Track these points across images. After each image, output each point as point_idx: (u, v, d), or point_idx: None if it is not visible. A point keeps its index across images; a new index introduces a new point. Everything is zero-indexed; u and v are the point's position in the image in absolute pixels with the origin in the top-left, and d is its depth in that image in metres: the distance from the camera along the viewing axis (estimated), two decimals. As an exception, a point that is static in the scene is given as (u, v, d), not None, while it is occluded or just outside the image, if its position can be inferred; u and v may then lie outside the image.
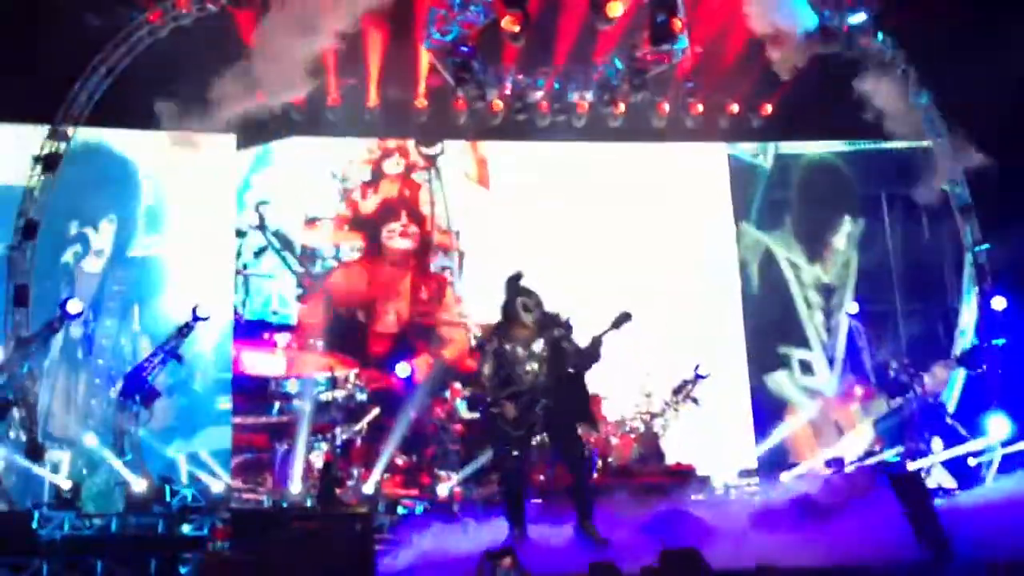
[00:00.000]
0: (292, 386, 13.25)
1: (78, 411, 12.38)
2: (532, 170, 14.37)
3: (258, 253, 13.76)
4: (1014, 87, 11.58)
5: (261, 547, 8.17)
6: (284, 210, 13.86)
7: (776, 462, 13.44)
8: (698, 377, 13.37)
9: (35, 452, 11.31)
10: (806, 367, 14.04)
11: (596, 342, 8.62)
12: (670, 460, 12.63)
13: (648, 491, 11.09)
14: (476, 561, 6.87)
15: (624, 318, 8.53)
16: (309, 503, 11.86)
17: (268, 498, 12.46)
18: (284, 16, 11.47)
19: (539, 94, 13.93)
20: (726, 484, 12.76)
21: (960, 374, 13.23)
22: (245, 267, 13.62)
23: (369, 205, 14.04)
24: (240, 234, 13.71)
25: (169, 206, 13.43)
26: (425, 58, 13.28)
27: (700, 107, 14.35)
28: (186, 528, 10.43)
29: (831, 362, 14.02)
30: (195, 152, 13.13)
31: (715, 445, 13.40)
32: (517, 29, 11.51)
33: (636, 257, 14.26)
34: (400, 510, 12.07)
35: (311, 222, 13.92)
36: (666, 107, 14.30)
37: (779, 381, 13.95)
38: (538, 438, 9.26)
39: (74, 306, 11.42)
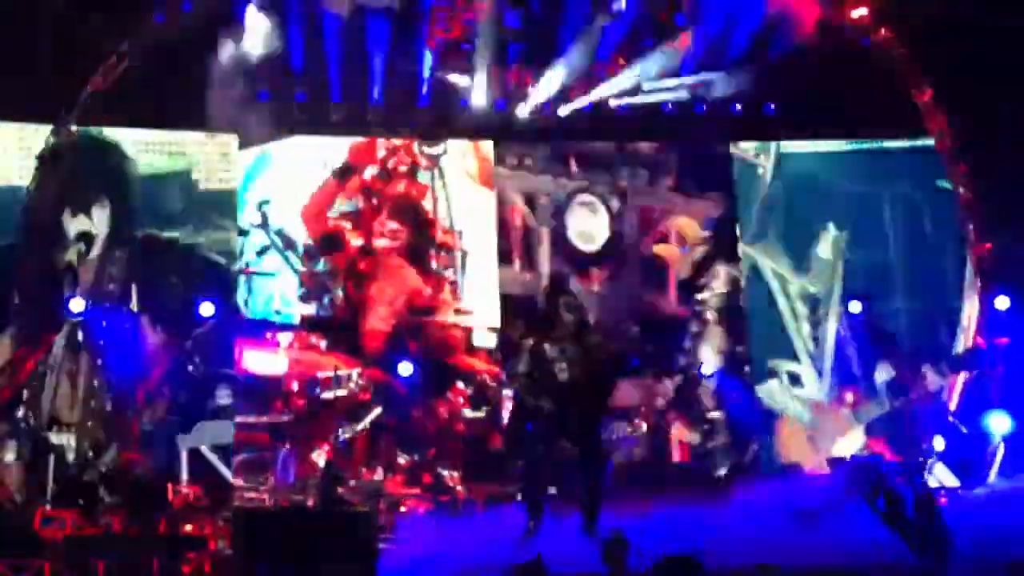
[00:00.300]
0: (294, 385, 13.23)
1: (82, 394, 12.34)
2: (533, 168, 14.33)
3: (260, 252, 13.74)
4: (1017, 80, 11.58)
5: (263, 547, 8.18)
6: (286, 209, 13.84)
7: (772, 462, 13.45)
8: (700, 376, 13.36)
9: (41, 442, 11.35)
10: (795, 379, 13.97)
11: (624, 357, 8.73)
12: (671, 459, 12.65)
13: (651, 490, 11.12)
14: (477, 559, 6.87)
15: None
16: (311, 502, 11.86)
17: (270, 497, 12.46)
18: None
19: (541, 92, 13.90)
20: (727, 483, 12.76)
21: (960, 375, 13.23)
22: (248, 266, 13.60)
23: (365, 204, 13.99)
24: (243, 233, 13.70)
25: (168, 199, 13.41)
26: (428, 55, 13.27)
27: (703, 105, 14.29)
28: (188, 527, 10.44)
29: (820, 373, 13.94)
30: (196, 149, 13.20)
31: (715, 445, 13.42)
32: (519, 26, 11.51)
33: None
34: (402, 509, 12.09)
35: (313, 220, 13.88)
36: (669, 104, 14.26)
37: (771, 390, 13.85)
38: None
39: (76, 305, 11.51)
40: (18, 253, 12.06)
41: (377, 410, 12.90)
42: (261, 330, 13.38)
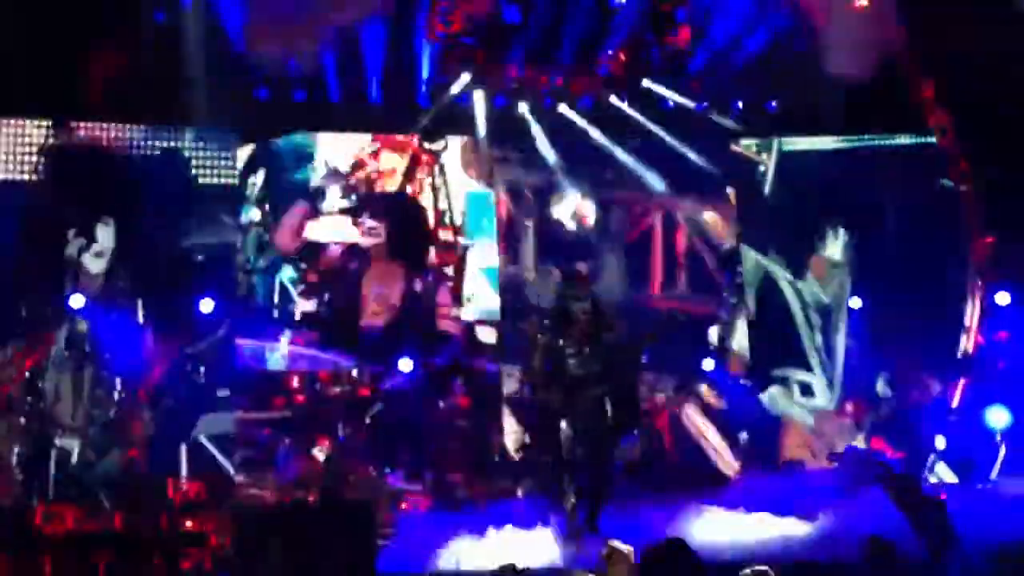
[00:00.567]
0: (294, 381, 13.23)
1: (86, 401, 12.34)
2: (535, 166, 14.33)
3: (261, 248, 13.73)
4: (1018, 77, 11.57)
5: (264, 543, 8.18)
6: (287, 205, 13.85)
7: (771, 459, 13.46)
8: (702, 374, 13.36)
9: (43, 444, 11.37)
10: (806, 389, 13.94)
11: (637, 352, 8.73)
12: (672, 457, 12.64)
13: (653, 488, 11.12)
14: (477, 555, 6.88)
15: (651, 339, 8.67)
16: (311, 498, 11.86)
17: (271, 493, 12.46)
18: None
19: (542, 88, 13.90)
20: (728, 479, 12.76)
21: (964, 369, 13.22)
22: (248, 262, 13.60)
23: (362, 200, 13.99)
24: (243, 229, 13.70)
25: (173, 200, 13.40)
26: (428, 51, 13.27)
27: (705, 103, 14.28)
28: (189, 523, 10.45)
29: (830, 383, 13.91)
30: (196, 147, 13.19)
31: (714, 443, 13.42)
32: (520, 20, 11.50)
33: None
34: (402, 506, 12.10)
35: (313, 217, 13.89)
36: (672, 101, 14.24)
37: (773, 396, 13.80)
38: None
39: (76, 301, 11.52)
40: (18, 250, 12.04)
41: (377, 406, 12.90)
42: (261, 327, 13.39)
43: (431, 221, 14.10)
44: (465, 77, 13.55)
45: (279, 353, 13.33)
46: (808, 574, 7.67)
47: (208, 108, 12.47)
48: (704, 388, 13.72)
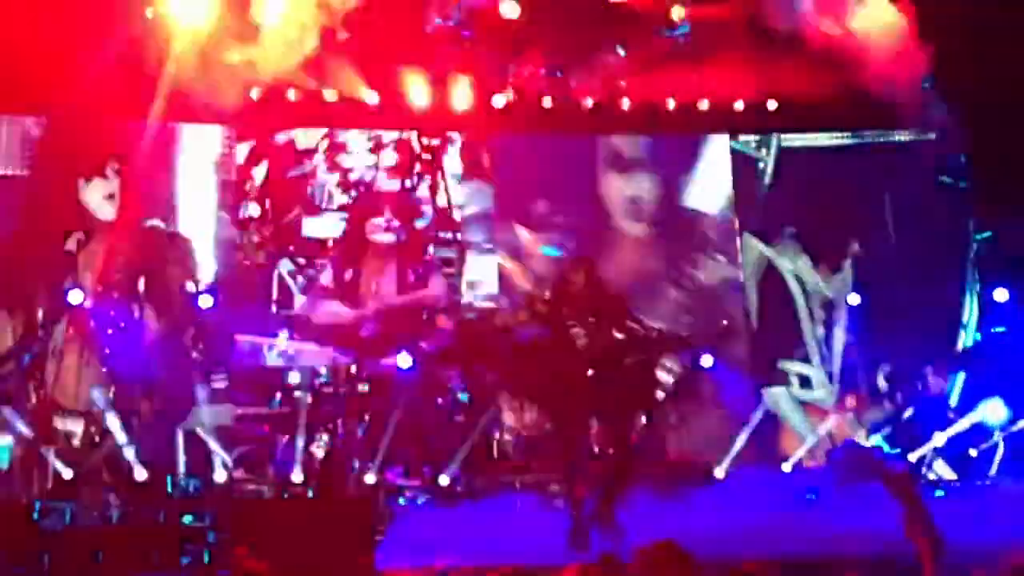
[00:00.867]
0: (293, 377, 13.23)
1: (89, 381, 12.33)
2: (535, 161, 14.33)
3: (260, 244, 13.73)
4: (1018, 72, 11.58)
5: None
6: (285, 202, 13.84)
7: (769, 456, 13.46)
8: (699, 369, 13.31)
9: (45, 431, 11.40)
10: (805, 381, 13.93)
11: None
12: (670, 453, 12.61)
13: (650, 483, 11.11)
14: (475, 549, 6.88)
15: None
16: (310, 494, 11.86)
17: (269, 489, 12.46)
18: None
19: (541, 83, 13.89)
20: (727, 475, 12.75)
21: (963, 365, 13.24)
22: (247, 258, 13.60)
23: (361, 197, 13.98)
24: (242, 225, 13.69)
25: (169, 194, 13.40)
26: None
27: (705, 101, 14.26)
28: (187, 519, 10.43)
29: (830, 376, 13.90)
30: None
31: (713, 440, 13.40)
32: (517, 14, 11.48)
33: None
34: (401, 501, 12.09)
35: (312, 213, 13.90)
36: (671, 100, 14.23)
37: (775, 397, 13.79)
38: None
39: (75, 297, 11.55)
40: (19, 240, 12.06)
41: (376, 402, 12.89)
42: (261, 321, 13.39)
43: (430, 216, 14.11)
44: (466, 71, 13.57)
45: (278, 349, 13.34)
46: (807, 571, 7.68)
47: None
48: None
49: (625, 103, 14.00)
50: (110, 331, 12.14)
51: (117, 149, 12.84)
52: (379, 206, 13.87)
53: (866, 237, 14.04)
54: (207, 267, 13.28)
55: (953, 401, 13.12)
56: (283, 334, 13.47)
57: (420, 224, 14.04)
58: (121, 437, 11.14)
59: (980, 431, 12.34)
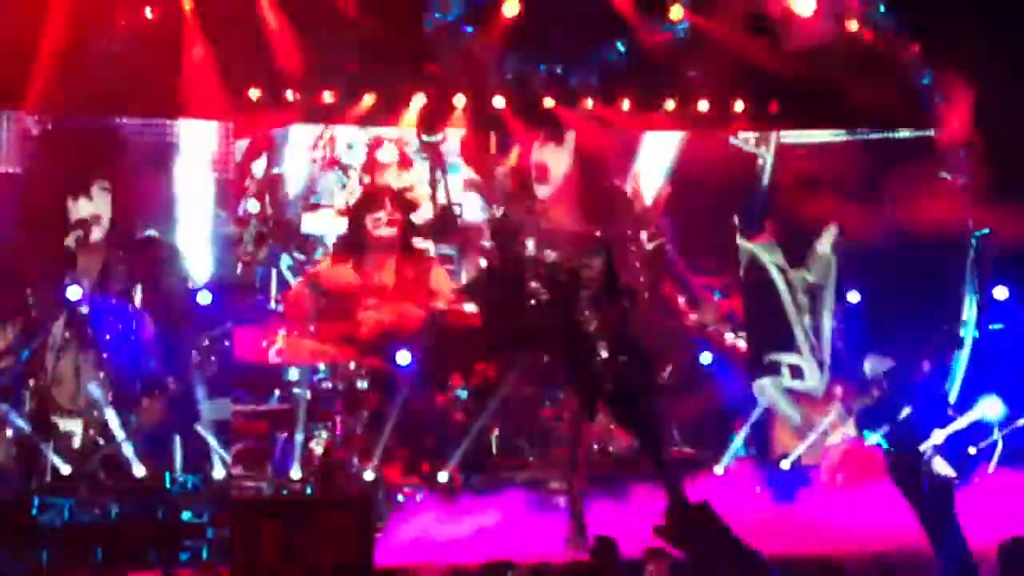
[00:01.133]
0: (292, 374, 13.22)
1: (88, 382, 12.32)
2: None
3: (259, 241, 13.71)
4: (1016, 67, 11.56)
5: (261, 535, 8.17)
6: (285, 198, 13.82)
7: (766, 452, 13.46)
8: (697, 365, 13.33)
9: (43, 428, 11.40)
10: (796, 372, 13.92)
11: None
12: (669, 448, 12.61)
13: (649, 479, 11.10)
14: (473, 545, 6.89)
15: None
16: (309, 491, 11.86)
17: (268, 486, 12.46)
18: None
19: (541, 81, 13.87)
20: (726, 471, 12.75)
21: (962, 362, 13.22)
22: (246, 254, 13.58)
23: (361, 192, 13.96)
24: (241, 222, 13.67)
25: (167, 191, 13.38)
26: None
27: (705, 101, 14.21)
28: (186, 515, 10.45)
29: (820, 365, 13.89)
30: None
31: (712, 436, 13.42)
32: (517, 11, 11.47)
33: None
34: (399, 498, 12.09)
35: (311, 210, 13.88)
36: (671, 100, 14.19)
37: (762, 387, 13.77)
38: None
39: (74, 292, 11.54)
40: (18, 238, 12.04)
41: (375, 399, 12.88)
42: (260, 318, 13.37)
43: (430, 212, 14.09)
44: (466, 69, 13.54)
45: (277, 346, 13.31)
46: (806, 569, 7.68)
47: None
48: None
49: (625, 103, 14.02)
50: (108, 333, 12.18)
51: (107, 159, 12.83)
52: (380, 201, 13.85)
53: (865, 234, 14.05)
54: (205, 265, 13.25)
55: (951, 397, 13.11)
56: (282, 330, 13.45)
57: (421, 219, 14.03)
58: (120, 434, 11.15)
59: (979, 428, 12.35)
